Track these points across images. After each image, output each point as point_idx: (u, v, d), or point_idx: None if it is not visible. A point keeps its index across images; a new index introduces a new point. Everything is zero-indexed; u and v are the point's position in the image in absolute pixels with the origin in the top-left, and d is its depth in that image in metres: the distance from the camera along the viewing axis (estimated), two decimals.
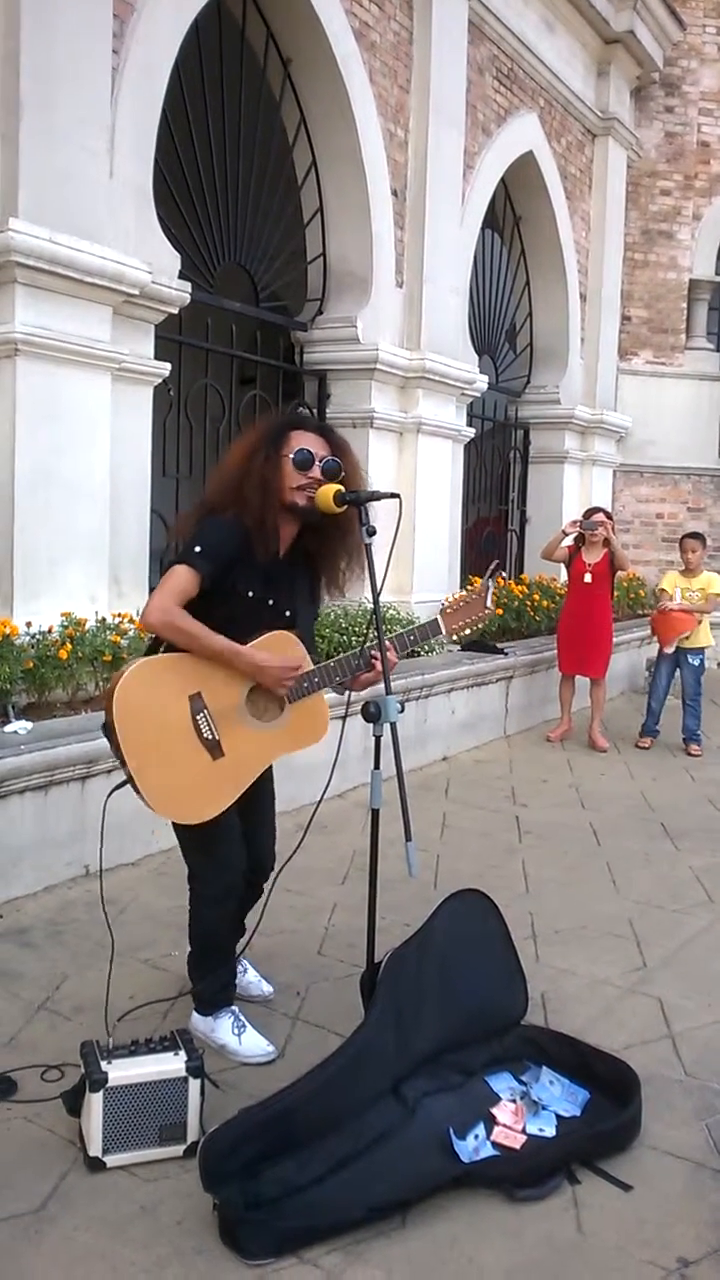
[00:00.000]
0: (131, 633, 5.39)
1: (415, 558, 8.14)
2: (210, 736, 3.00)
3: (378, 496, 3.16)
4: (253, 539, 3.06)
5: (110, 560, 5.66)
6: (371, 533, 3.13)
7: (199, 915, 3.24)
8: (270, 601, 3.15)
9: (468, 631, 3.32)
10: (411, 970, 3.16)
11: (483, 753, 7.78)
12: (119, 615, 5.50)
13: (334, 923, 4.36)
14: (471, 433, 9.08)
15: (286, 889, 4.32)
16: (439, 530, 8.55)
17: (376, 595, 3.07)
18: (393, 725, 3.03)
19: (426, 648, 7.74)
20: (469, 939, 3.36)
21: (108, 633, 5.29)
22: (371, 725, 3.09)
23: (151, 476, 6.01)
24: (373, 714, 3.07)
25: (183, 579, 2.98)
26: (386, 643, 3.15)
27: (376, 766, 3.11)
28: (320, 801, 3.30)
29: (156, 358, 5.97)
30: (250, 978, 3.59)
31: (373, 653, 3.18)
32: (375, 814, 3.13)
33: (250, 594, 3.09)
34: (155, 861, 4.97)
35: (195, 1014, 3.38)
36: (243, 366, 7.51)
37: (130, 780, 2.92)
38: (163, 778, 2.92)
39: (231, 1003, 3.38)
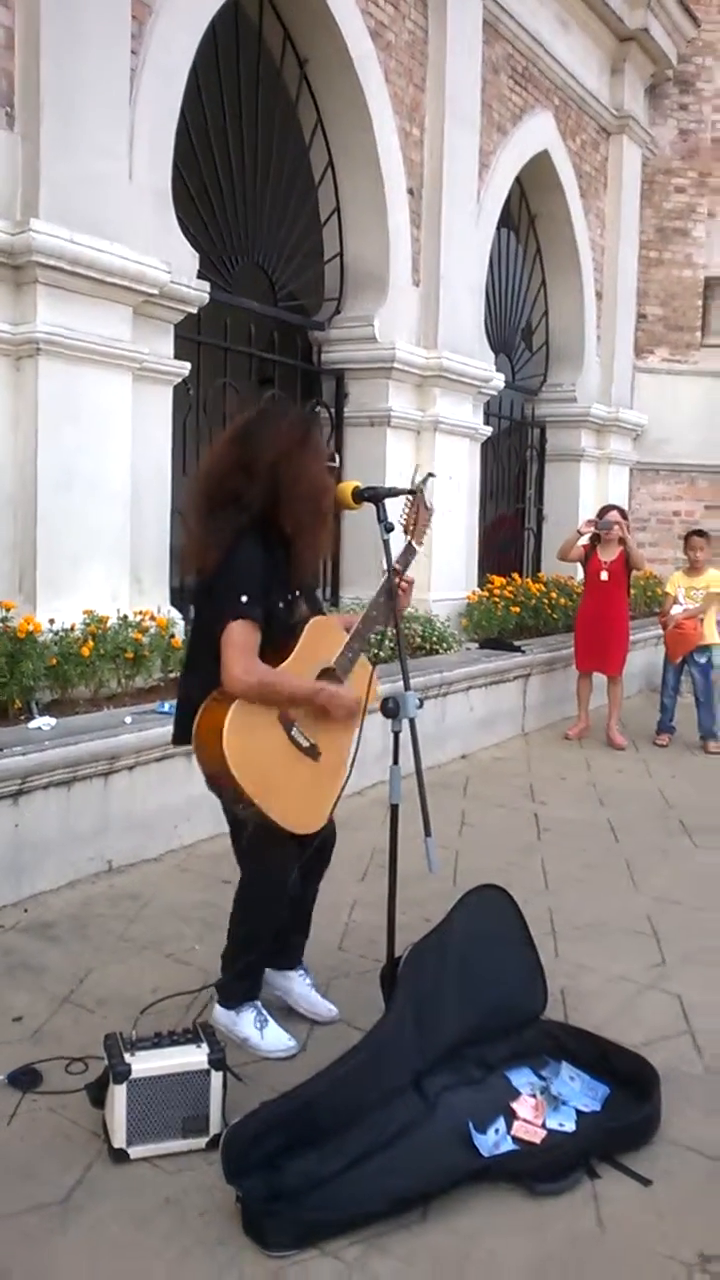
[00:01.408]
0: (153, 630, 5.41)
1: (433, 556, 8.15)
2: (307, 744, 3.11)
3: (396, 492, 3.21)
4: (295, 549, 3.10)
5: (131, 558, 5.69)
6: (390, 529, 3.15)
7: (245, 913, 3.25)
8: (291, 596, 3.19)
9: (426, 535, 3.42)
10: (431, 965, 3.15)
11: (501, 750, 7.78)
12: (140, 613, 5.53)
13: (354, 919, 4.36)
14: (489, 431, 9.07)
15: None
16: (456, 528, 8.56)
17: (391, 582, 3.18)
18: (411, 721, 3.04)
19: (444, 646, 7.74)
20: (489, 934, 3.35)
21: (129, 630, 5.33)
22: (390, 721, 3.10)
23: (172, 476, 6.03)
24: (391, 710, 3.08)
25: (247, 635, 3.00)
26: (395, 579, 3.24)
27: (395, 762, 3.11)
28: (338, 798, 3.27)
29: (176, 357, 6.00)
30: (315, 996, 3.54)
31: (398, 578, 3.25)
32: (395, 810, 3.13)
33: (282, 603, 3.14)
34: (178, 857, 4.99)
35: (218, 1007, 3.39)
36: (261, 366, 7.53)
37: (254, 808, 3.02)
38: (285, 800, 3.05)
39: (256, 997, 3.38)
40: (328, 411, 7.87)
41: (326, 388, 8.00)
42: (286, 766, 3.06)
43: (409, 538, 3.41)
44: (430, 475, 3.42)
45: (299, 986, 3.50)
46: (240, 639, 2.99)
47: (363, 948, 4.07)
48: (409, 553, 3.38)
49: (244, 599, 2.99)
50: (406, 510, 3.40)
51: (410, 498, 3.39)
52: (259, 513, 3.06)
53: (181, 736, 3.18)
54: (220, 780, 3.03)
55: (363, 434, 7.92)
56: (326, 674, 3.19)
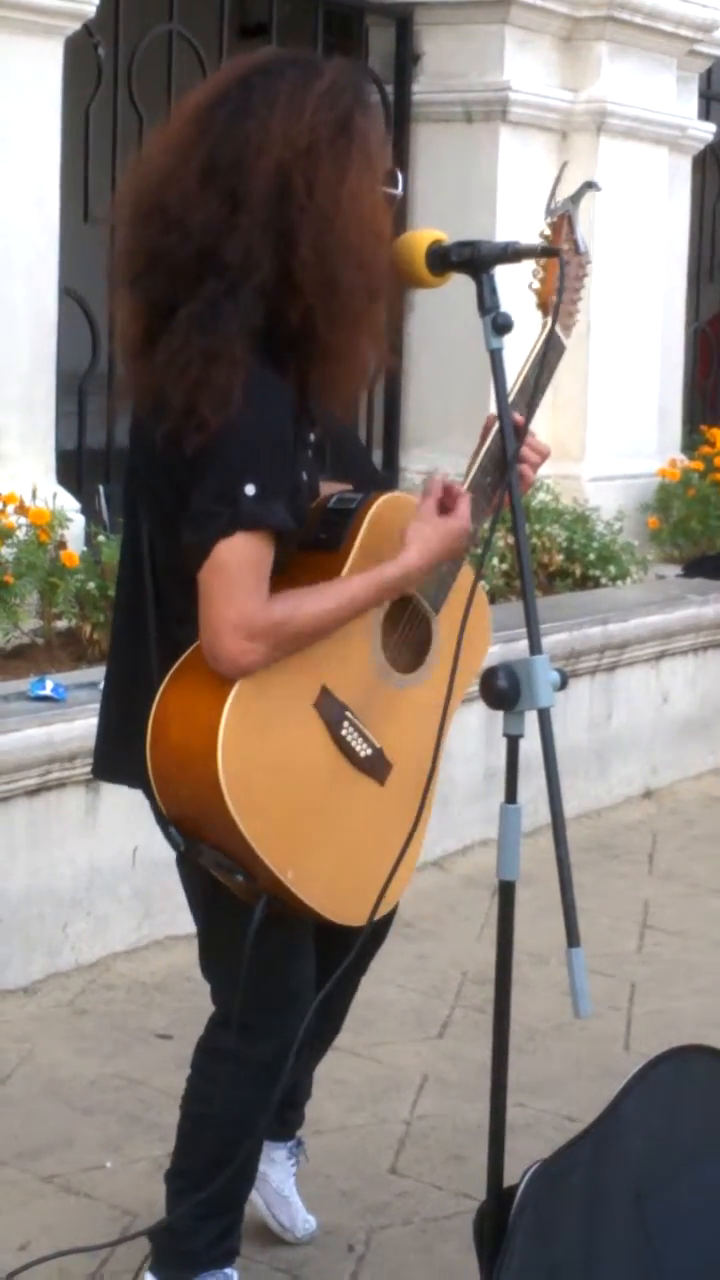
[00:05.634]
0: (23, 532, 3.95)
1: (590, 394, 5.62)
2: (369, 751, 2.14)
3: (520, 252, 2.07)
4: (324, 354, 2.02)
5: None
6: (502, 327, 2.00)
7: (225, 1095, 2.16)
8: (310, 453, 2.09)
9: (579, 310, 2.30)
10: (577, 1204, 2.12)
11: None
12: None
13: (422, 1112, 3.21)
14: (708, 133, 6.15)
15: (334, 1046, 3.05)
16: (638, 338, 5.81)
17: (509, 440, 2.00)
18: (544, 716, 2.01)
19: (612, 571, 5.60)
20: (699, 1146, 2.27)
21: None
22: (502, 717, 2.04)
23: (62, 219, 4.04)
24: (504, 691, 1.97)
25: (251, 563, 1.95)
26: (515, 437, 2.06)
27: (510, 800, 2.08)
28: (393, 873, 2.12)
29: None
30: (295, 1198, 2.48)
31: (520, 429, 2.11)
32: (507, 895, 2.10)
33: (306, 473, 2.07)
34: (70, 985, 3.59)
35: (151, 1276, 2.17)
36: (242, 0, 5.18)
37: (266, 879, 2.02)
38: (327, 862, 2.11)
39: (230, 1261, 2.18)
40: (379, 89, 5.08)
41: (377, 43, 5.24)
42: (330, 799, 2.12)
43: (547, 319, 2.22)
44: (590, 185, 2.30)
45: (277, 1174, 2.44)
46: (239, 571, 1.93)
47: (437, 1169, 2.91)
48: (553, 348, 2.23)
49: (250, 490, 1.93)
50: (545, 274, 2.26)
51: (548, 232, 2.23)
52: (263, 288, 1.91)
53: (115, 764, 2.18)
54: (200, 826, 1.99)
55: (449, 137, 5.25)
56: (397, 613, 2.17)
